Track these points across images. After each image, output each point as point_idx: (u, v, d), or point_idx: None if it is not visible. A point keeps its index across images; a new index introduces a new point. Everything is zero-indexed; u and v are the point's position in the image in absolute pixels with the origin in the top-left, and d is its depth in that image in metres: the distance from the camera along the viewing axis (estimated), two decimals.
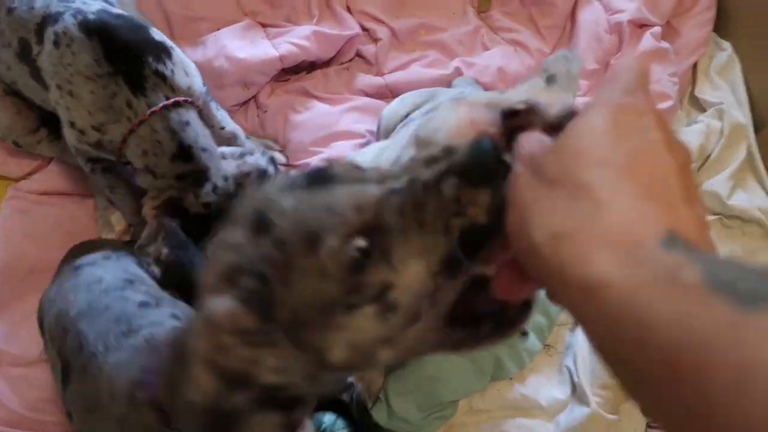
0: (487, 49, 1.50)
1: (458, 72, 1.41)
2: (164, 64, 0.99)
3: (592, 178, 0.31)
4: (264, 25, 1.43)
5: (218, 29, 1.40)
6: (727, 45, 1.52)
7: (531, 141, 0.39)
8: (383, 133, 1.25)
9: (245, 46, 1.35)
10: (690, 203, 0.32)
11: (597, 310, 0.28)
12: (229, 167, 1.02)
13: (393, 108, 1.23)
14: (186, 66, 1.06)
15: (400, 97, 1.25)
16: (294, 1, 1.47)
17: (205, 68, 1.31)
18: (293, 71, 1.44)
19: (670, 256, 0.27)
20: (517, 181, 0.37)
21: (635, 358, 0.27)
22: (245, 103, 1.39)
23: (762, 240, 1.35)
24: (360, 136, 1.34)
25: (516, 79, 1.43)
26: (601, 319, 0.28)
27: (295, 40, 1.39)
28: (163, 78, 0.98)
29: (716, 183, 1.36)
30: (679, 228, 0.30)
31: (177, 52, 1.06)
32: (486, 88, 1.39)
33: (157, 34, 1.04)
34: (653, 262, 0.27)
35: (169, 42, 1.05)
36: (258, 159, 1.06)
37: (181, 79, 1.02)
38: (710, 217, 1.36)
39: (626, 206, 0.30)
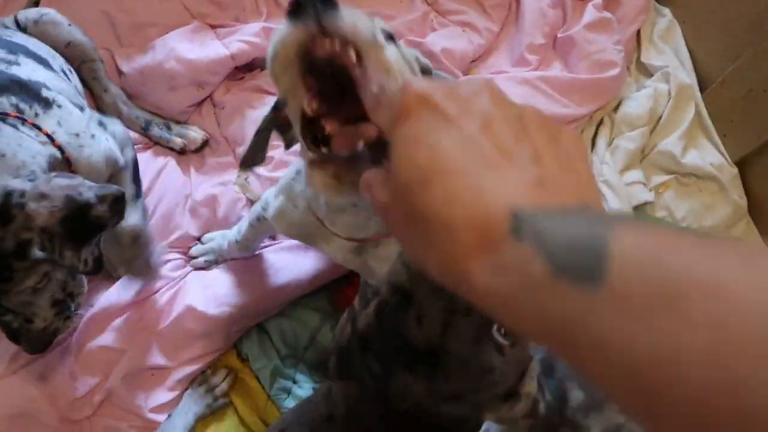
0: (435, 32, 1.52)
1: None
2: None
3: (425, 201, 0.30)
4: (213, 26, 1.42)
5: (167, 34, 1.39)
6: (666, 11, 1.56)
7: (368, 178, 0.38)
8: None
9: (195, 48, 1.34)
10: (511, 157, 0.31)
11: (501, 316, 0.29)
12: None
13: None
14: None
15: None
16: (242, 0, 1.47)
17: (156, 72, 1.31)
18: (247, 69, 1.44)
19: (520, 249, 0.27)
20: (384, 217, 0.36)
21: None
22: (201, 102, 1.38)
23: (719, 194, 1.39)
24: None
25: (463, 58, 1.46)
26: (508, 323, 0.29)
27: (245, 37, 1.38)
28: None
29: (669, 143, 1.40)
30: (517, 193, 0.29)
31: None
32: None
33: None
34: (512, 263, 0.27)
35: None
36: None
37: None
38: (666, 177, 1.40)
39: (465, 207, 0.29)
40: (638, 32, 1.55)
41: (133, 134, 1.31)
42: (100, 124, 1.01)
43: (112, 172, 1.01)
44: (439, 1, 1.57)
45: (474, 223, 0.29)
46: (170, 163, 1.30)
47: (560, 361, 0.80)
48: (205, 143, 1.33)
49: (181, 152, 1.32)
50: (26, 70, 0.96)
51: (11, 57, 0.98)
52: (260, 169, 1.30)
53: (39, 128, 0.88)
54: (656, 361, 0.22)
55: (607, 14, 1.47)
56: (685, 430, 0.22)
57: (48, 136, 0.88)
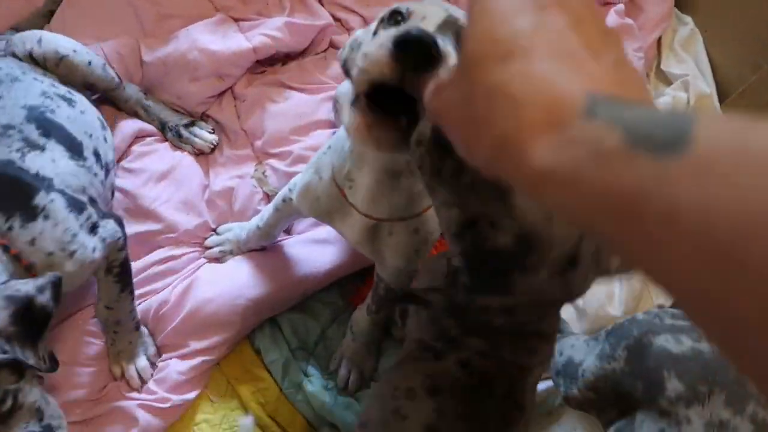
0: None
1: None
2: None
3: (497, 77, 0.30)
4: (236, 20, 1.43)
5: (190, 25, 1.40)
6: (688, 19, 1.56)
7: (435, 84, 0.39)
8: (339, 110, 1.27)
9: (218, 40, 1.35)
10: (597, 56, 0.31)
11: (553, 198, 0.28)
12: None
13: (345, 85, 1.24)
14: None
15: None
16: None
17: (179, 62, 1.32)
18: (269, 63, 1.44)
19: (593, 126, 0.27)
20: (438, 107, 0.37)
21: (596, 231, 0.27)
22: (221, 94, 1.39)
23: None
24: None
25: None
26: (559, 206, 0.28)
27: (267, 31, 1.39)
28: None
29: None
30: (595, 86, 0.29)
31: None
32: None
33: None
34: (582, 138, 0.27)
35: None
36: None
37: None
38: None
39: (539, 87, 0.29)
40: (659, 39, 1.55)
41: (151, 127, 1.33)
42: (93, 229, 0.95)
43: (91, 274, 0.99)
44: (461, 2, 1.57)
45: (545, 100, 0.28)
46: (187, 154, 1.32)
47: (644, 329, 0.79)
48: (213, 148, 1.33)
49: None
50: (42, 162, 0.93)
51: (39, 140, 0.95)
52: (278, 163, 1.31)
53: (6, 247, 0.84)
54: (736, 220, 0.21)
55: (629, 20, 1.47)
56: (758, 297, 0.21)
57: (15, 255, 0.85)
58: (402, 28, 0.53)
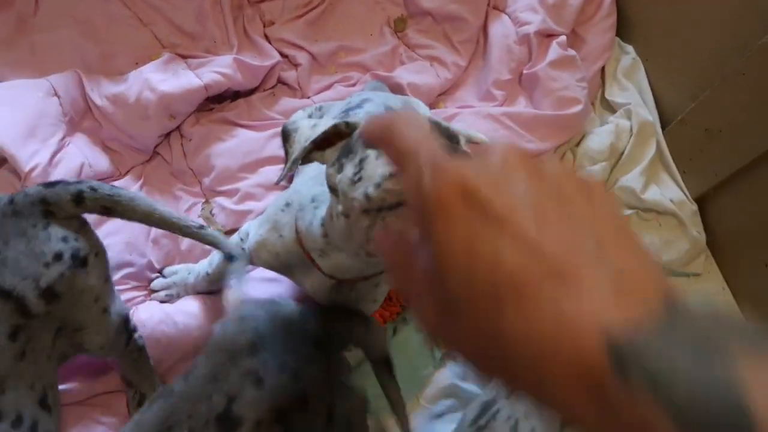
0: (403, 63, 1.53)
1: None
2: None
3: (497, 324, 0.27)
4: (184, 57, 1.42)
5: (137, 63, 1.38)
6: (630, 48, 1.58)
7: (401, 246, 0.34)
8: (287, 144, 1.26)
9: (168, 79, 1.33)
10: (578, 262, 0.26)
11: None
12: None
13: (298, 116, 1.22)
14: None
15: (302, 109, 1.25)
16: (213, 32, 1.47)
17: (129, 102, 1.29)
18: (217, 101, 1.43)
19: (630, 392, 0.23)
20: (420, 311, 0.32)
21: None
22: (169, 133, 1.37)
23: (677, 229, 1.40)
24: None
25: (430, 92, 1.47)
26: None
27: (218, 68, 1.37)
28: None
29: (630, 179, 1.41)
30: (603, 315, 0.25)
31: None
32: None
33: None
34: (622, 406, 0.23)
35: None
36: None
37: None
38: (627, 212, 1.41)
39: (552, 340, 0.25)
40: (603, 69, 1.57)
41: (105, 165, 1.30)
42: None
43: None
44: (408, 35, 1.58)
45: (565, 356, 0.25)
46: (135, 190, 1.29)
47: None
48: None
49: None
50: None
51: None
52: (225, 202, 1.29)
53: None
54: None
55: (571, 52, 1.49)
56: None
57: None
58: None
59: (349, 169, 0.64)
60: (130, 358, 1.03)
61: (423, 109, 1.23)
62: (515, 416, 0.72)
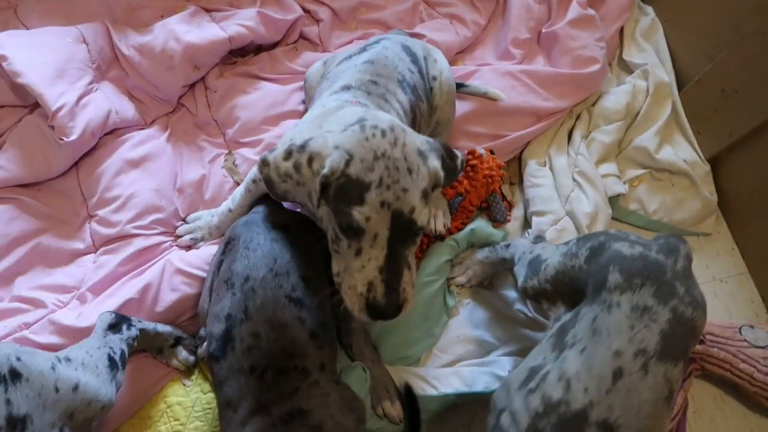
0: (424, 23, 1.54)
1: None
2: None
3: None
4: (208, 11, 1.44)
5: (161, 16, 1.41)
6: (649, 9, 1.58)
7: None
8: (307, 91, 1.29)
9: (193, 30, 1.35)
10: None
11: None
12: None
13: (315, 67, 1.27)
14: None
15: (320, 59, 1.29)
16: None
17: (154, 52, 1.32)
18: (240, 54, 1.46)
19: None
20: None
21: None
22: (193, 85, 1.40)
23: (689, 189, 1.42)
24: None
25: (449, 49, 1.48)
26: None
27: (242, 21, 1.40)
28: None
29: (645, 139, 1.43)
30: None
31: None
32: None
33: None
34: None
35: None
36: None
37: None
38: (640, 171, 1.43)
39: None
40: (621, 30, 1.57)
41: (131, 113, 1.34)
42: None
43: None
44: None
45: None
46: (160, 142, 1.33)
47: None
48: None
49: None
50: None
51: None
52: (248, 153, 1.33)
53: None
54: None
55: (591, 11, 1.49)
56: None
57: None
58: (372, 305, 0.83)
59: None
60: None
61: (442, 59, 1.24)
62: (566, 377, 0.76)
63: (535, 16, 1.50)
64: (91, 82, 1.30)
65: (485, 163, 1.29)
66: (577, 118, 1.47)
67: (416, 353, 1.21)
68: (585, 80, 1.43)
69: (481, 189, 1.29)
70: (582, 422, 0.73)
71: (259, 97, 1.38)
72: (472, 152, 1.30)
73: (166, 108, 1.38)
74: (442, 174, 0.86)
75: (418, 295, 1.22)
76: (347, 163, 0.80)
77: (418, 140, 0.86)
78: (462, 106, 1.35)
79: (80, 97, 1.25)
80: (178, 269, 1.14)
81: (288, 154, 0.84)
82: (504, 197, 1.36)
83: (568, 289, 0.91)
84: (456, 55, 1.51)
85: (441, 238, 1.28)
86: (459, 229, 1.29)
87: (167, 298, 1.12)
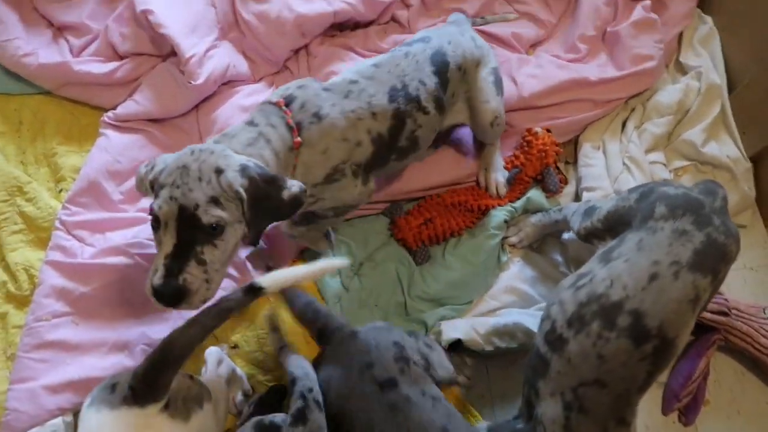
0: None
1: (479, 32, 1.62)
2: None
3: None
4: None
5: None
6: (708, 19, 1.69)
7: None
8: None
9: (304, 2, 1.55)
10: None
11: None
12: None
13: None
14: None
15: None
16: None
17: (270, 19, 1.53)
18: (339, 29, 1.65)
19: None
20: None
21: None
22: (298, 50, 1.59)
23: (729, 183, 1.52)
24: None
25: (527, 42, 1.64)
26: None
27: None
28: None
29: (693, 134, 1.54)
30: None
31: None
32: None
33: None
34: None
35: None
36: None
37: None
38: (685, 163, 1.56)
39: None
40: (681, 35, 1.70)
41: (245, 69, 1.56)
42: None
43: None
44: None
45: None
46: (265, 95, 1.50)
47: None
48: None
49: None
50: None
51: None
52: None
53: None
54: None
55: (653, 15, 1.61)
56: None
57: None
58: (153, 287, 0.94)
59: None
60: None
61: (490, 55, 1.37)
62: (611, 278, 0.92)
63: (602, 16, 1.64)
64: (216, 39, 1.52)
65: (540, 139, 1.45)
66: (632, 110, 1.60)
67: (469, 295, 1.37)
68: (641, 75, 1.55)
69: (536, 162, 1.45)
70: (617, 310, 0.90)
71: (352, 66, 1.56)
72: (528, 130, 1.47)
73: (273, 68, 1.58)
74: (239, 189, 0.94)
75: (483, 244, 1.38)
76: (161, 171, 0.97)
77: (226, 161, 0.96)
78: (528, 88, 1.51)
79: (207, 50, 1.48)
80: None
81: (148, 164, 1.03)
82: (559, 171, 1.51)
83: (616, 225, 1.06)
84: (529, 47, 1.67)
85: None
86: (517, 198, 1.45)
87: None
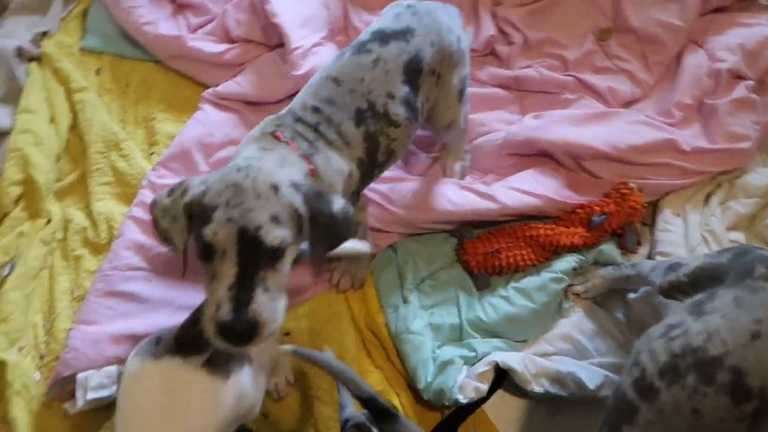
0: (597, 69, 1.70)
1: (576, 81, 1.65)
2: None
3: None
4: None
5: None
6: None
7: None
8: None
9: None
10: None
11: None
12: None
13: None
14: None
15: None
16: None
17: None
18: None
19: None
20: None
21: None
22: None
23: None
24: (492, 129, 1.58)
25: (623, 99, 1.65)
26: None
27: None
28: None
29: None
30: None
31: None
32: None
33: None
34: None
35: None
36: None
37: None
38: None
39: None
40: None
41: None
42: None
43: None
44: (609, 45, 1.76)
45: None
46: None
47: None
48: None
49: None
50: None
51: None
52: None
53: None
54: None
55: (754, 96, 1.60)
56: None
57: None
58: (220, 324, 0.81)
59: None
60: None
61: (465, 59, 1.31)
62: (708, 331, 0.89)
63: (703, 87, 1.63)
64: (323, 38, 1.59)
65: (634, 195, 1.43)
66: (718, 185, 1.58)
67: (525, 334, 1.35)
68: (734, 154, 1.53)
69: (623, 216, 1.43)
70: (716, 365, 0.87)
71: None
72: (624, 183, 1.45)
73: None
74: (298, 206, 0.87)
75: (548, 286, 1.37)
76: (203, 193, 0.85)
77: (278, 177, 0.87)
78: (625, 140, 1.50)
79: (313, 45, 1.56)
80: None
81: (170, 192, 0.90)
82: (637, 233, 1.50)
83: (703, 281, 1.04)
84: (624, 105, 1.67)
85: (574, 249, 1.43)
86: (593, 244, 1.44)
87: None
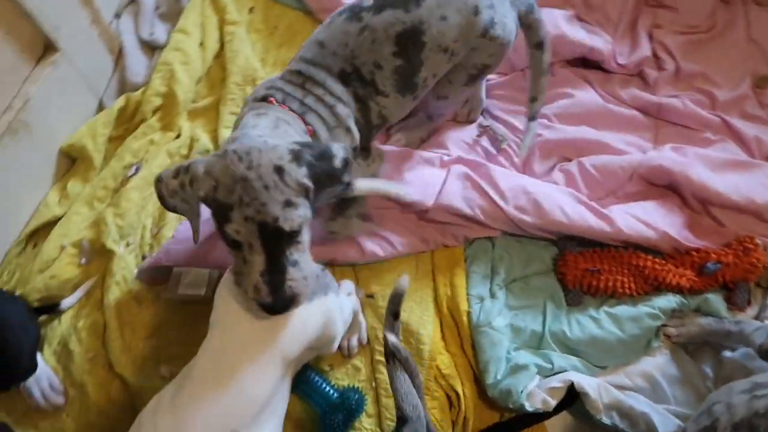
0: (747, 115, 1.60)
1: (722, 122, 1.56)
2: None
3: None
4: (579, 19, 1.66)
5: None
6: None
7: None
8: None
9: (567, 24, 1.60)
10: None
11: None
12: None
13: None
14: None
15: None
16: (607, 9, 1.69)
17: None
18: (584, 63, 1.65)
19: None
20: None
21: None
22: None
23: None
24: (617, 150, 1.51)
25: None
26: None
27: (601, 40, 1.62)
28: None
29: None
30: None
31: None
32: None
33: None
34: None
35: None
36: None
37: None
38: None
39: None
40: None
41: None
42: None
43: None
44: (766, 93, 1.65)
45: None
46: None
47: None
48: None
49: None
50: None
51: None
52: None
53: None
54: None
55: None
56: None
57: None
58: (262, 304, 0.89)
59: None
60: None
61: (507, 49, 1.25)
62: None
63: None
64: None
65: (758, 252, 1.34)
66: None
67: (606, 360, 1.29)
68: None
69: (740, 271, 1.34)
70: None
71: (582, 98, 1.58)
72: (751, 238, 1.36)
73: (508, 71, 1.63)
74: (305, 181, 0.89)
75: (642, 319, 1.31)
76: (215, 189, 0.88)
77: (278, 154, 0.88)
78: (763, 197, 1.42)
79: None
80: None
81: (176, 173, 0.92)
82: (749, 291, 1.40)
83: None
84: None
85: (677, 290, 1.35)
86: (699, 290, 1.36)
87: None
